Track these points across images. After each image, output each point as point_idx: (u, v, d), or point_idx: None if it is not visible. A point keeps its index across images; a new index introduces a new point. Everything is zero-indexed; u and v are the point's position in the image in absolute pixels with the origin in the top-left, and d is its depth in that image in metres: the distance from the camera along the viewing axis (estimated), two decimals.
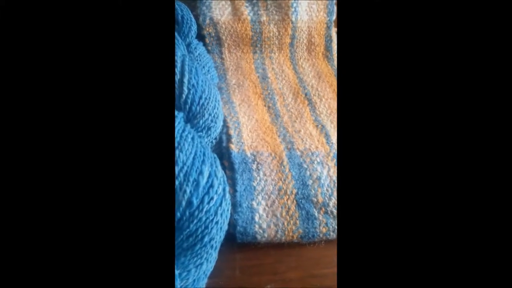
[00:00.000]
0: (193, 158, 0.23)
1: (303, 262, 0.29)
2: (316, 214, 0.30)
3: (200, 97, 0.28)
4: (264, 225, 0.29)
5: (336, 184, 0.32)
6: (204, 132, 0.30)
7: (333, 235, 0.30)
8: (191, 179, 0.22)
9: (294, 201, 0.31)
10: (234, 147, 0.34)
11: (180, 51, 0.34)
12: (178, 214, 0.21)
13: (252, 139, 0.36)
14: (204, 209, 0.22)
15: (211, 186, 0.23)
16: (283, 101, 0.42)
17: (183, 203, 0.21)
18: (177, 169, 0.22)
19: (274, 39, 0.48)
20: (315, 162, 0.34)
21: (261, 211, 0.30)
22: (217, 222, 0.22)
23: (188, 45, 0.40)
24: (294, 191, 0.32)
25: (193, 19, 0.40)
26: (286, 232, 0.29)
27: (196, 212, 0.22)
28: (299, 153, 0.35)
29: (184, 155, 0.23)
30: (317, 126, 0.39)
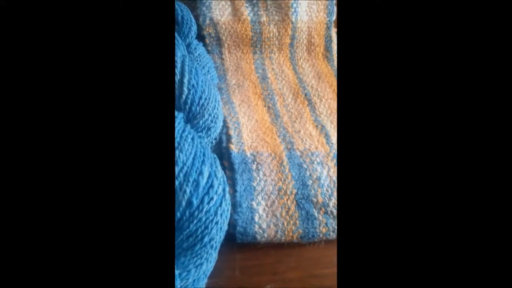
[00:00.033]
0: (193, 159, 0.23)
1: (303, 262, 0.29)
2: (316, 214, 0.30)
3: (200, 98, 0.28)
4: (264, 225, 0.29)
5: (336, 184, 0.32)
6: (204, 132, 0.30)
7: (333, 235, 0.30)
8: (191, 179, 0.22)
9: (294, 201, 0.31)
10: (234, 148, 0.34)
11: (180, 52, 0.34)
12: (178, 214, 0.21)
13: (252, 139, 0.36)
14: (204, 209, 0.22)
15: (211, 186, 0.23)
16: (283, 102, 0.42)
17: (183, 203, 0.21)
18: (177, 169, 0.22)
19: (274, 39, 0.48)
20: (315, 162, 0.34)
21: (261, 211, 0.30)
22: (217, 222, 0.23)
23: (188, 46, 0.40)
24: (294, 191, 0.32)
25: (193, 20, 0.40)
26: (286, 232, 0.29)
27: (196, 212, 0.22)
28: (299, 153, 0.35)
29: (184, 155, 0.23)
30: (317, 126, 0.39)
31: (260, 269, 0.28)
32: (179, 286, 0.21)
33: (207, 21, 0.46)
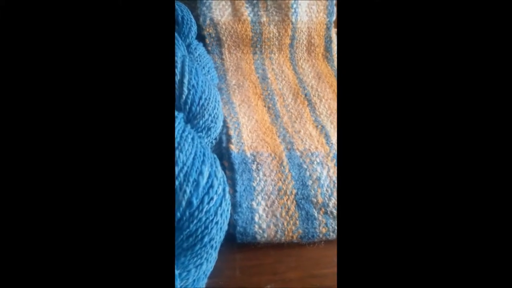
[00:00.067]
0: (193, 159, 0.23)
1: (303, 262, 0.29)
2: (315, 214, 0.30)
3: (200, 98, 0.28)
4: (264, 225, 0.29)
5: (336, 185, 0.32)
6: (204, 132, 0.30)
7: (333, 235, 0.30)
8: (191, 180, 0.22)
9: (294, 201, 0.31)
10: (234, 148, 0.34)
11: (180, 52, 0.34)
12: (178, 214, 0.21)
13: (252, 140, 0.36)
14: (204, 209, 0.22)
15: (211, 186, 0.23)
16: (283, 102, 0.42)
17: (183, 203, 0.21)
18: (177, 169, 0.22)
19: (274, 39, 0.48)
20: (315, 162, 0.34)
21: (261, 212, 0.30)
22: (217, 222, 0.23)
23: (188, 46, 0.40)
24: (294, 191, 0.32)
25: (193, 20, 0.40)
26: (286, 232, 0.29)
27: (196, 212, 0.22)
28: (299, 153, 0.35)
29: (184, 155, 0.23)
30: (317, 126, 0.39)
31: (260, 269, 0.28)
32: (179, 286, 0.21)
33: (207, 21, 0.46)
